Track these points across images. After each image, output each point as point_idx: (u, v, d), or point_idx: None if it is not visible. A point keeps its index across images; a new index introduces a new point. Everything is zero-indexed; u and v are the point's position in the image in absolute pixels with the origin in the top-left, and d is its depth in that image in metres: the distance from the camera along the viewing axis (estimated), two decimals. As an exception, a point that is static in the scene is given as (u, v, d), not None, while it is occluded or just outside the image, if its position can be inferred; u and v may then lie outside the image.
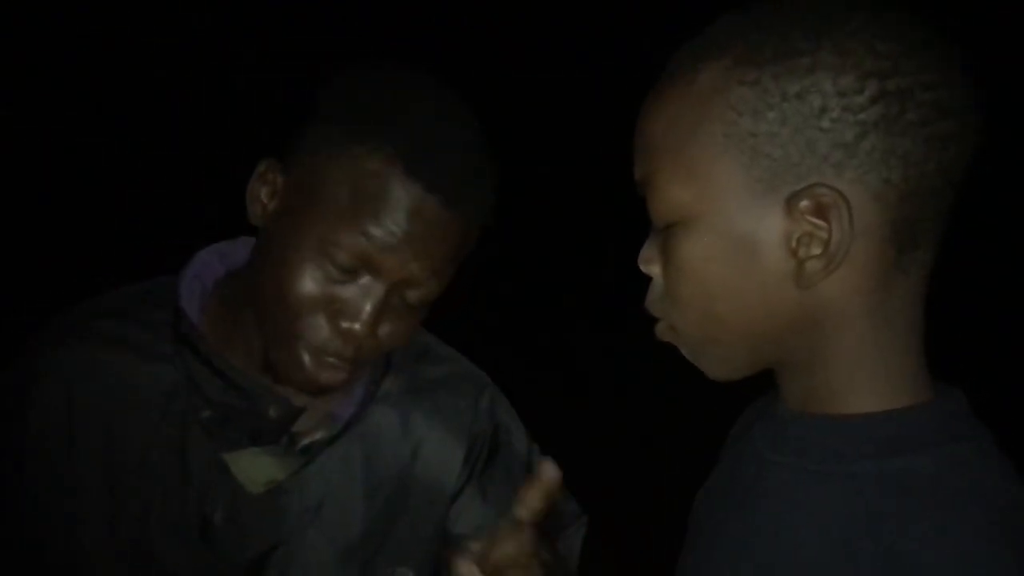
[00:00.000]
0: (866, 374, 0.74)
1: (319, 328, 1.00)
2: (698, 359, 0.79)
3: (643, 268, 0.80)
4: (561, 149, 5.45)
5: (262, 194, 1.03)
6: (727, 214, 0.72)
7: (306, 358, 1.00)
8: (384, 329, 1.01)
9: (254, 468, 1.07)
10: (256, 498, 1.07)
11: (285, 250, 1.00)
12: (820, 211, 0.69)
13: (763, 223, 0.71)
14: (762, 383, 0.83)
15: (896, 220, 0.70)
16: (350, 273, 0.98)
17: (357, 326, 0.99)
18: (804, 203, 0.70)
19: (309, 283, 0.98)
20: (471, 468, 1.17)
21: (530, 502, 0.84)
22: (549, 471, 0.84)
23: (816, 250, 0.70)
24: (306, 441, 1.09)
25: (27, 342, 1.12)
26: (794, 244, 0.71)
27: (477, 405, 1.18)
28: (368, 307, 0.99)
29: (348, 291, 0.99)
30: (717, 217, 0.73)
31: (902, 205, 0.70)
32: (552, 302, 5.21)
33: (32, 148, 4.81)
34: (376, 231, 0.96)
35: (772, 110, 0.70)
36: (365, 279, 0.99)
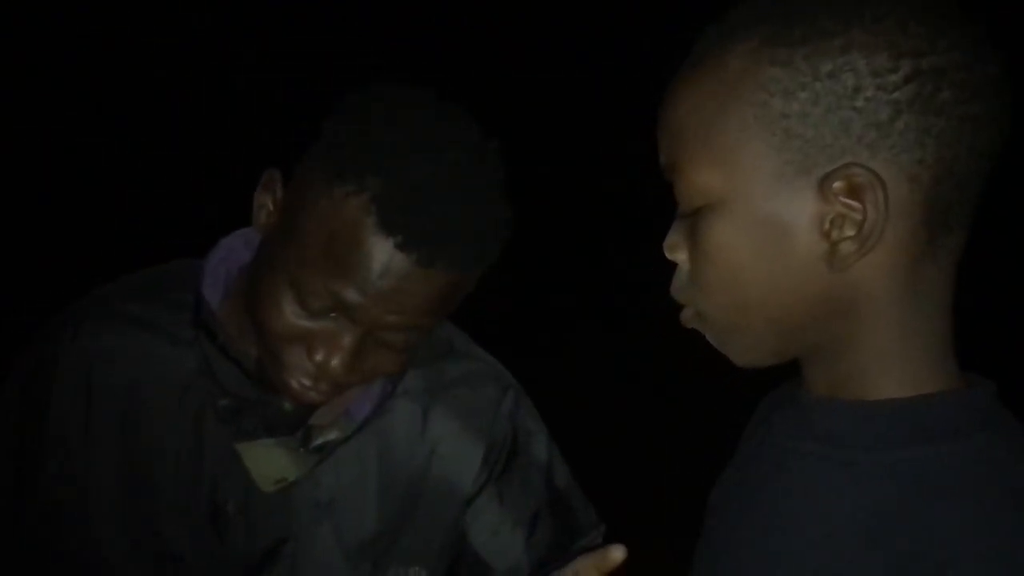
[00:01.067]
0: (896, 359, 0.73)
1: (298, 358, 0.99)
2: (725, 346, 0.78)
3: (668, 254, 0.79)
4: (562, 149, 5.45)
5: (268, 203, 1.02)
6: (757, 197, 0.71)
7: (290, 381, 1.00)
8: (367, 363, 0.99)
9: (267, 461, 1.06)
10: (271, 492, 1.06)
11: (267, 273, 0.99)
12: (854, 192, 0.68)
13: (794, 205, 0.70)
14: (765, 380, 0.83)
15: (929, 202, 0.69)
16: (326, 313, 0.96)
17: (333, 363, 0.97)
18: (837, 184, 0.69)
19: (284, 316, 0.97)
20: (489, 470, 1.15)
21: (584, 573, 0.85)
22: (615, 555, 0.84)
23: (850, 232, 0.69)
24: (320, 440, 1.08)
25: (50, 321, 1.12)
26: (827, 226, 0.70)
27: (499, 406, 1.16)
28: (342, 346, 0.97)
29: (324, 327, 0.97)
30: (747, 200, 0.71)
31: (936, 187, 0.69)
32: (552, 301, 5.21)
33: (32, 148, 4.81)
34: (346, 287, 0.93)
35: (804, 90, 0.69)
36: (342, 319, 0.97)
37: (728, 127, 0.71)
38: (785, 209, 0.71)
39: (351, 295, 0.93)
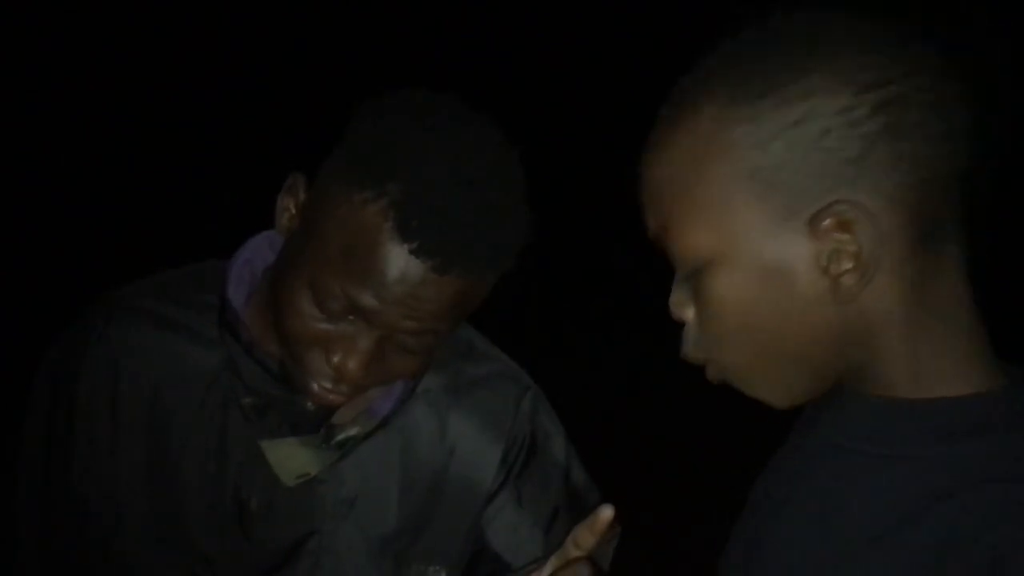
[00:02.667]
0: (926, 366, 0.75)
1: (316, 359, 1.00)
2: (756, 392, 0.80)
3: (675, 314, 0.80)
4: (576, 149, 5.45)
5: (290, 206, 1.03)
6: (752, 248, 0.73)
7: (311, 384, 1.01)
8: (385, 366, 1.01)
9: (290, 458, 1.08)
10: (291, 487, 1.08)
11: (287, 276, 1.01)
12: (843, 226, 0.70)
13: (789, 249, 0.72)
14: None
15: (919, 219, 0.71)
16: (344, 316, 0.98)
17: (350, 365, 0.99)
18: (826, 222, 0.71)
19: (302, 318, 0.99)
20: (508, 470, 1.17)
21: (583, 541, 0.87)
22: (605, 514, 0.85)
23: (848, 264, 0.71)
24: (341, 436, 1.09)
25: (78, 317, 1.15)
26: (824, 263, 0.72)
27: (518, 407, 1.17)
28: (360, 349, 0.98)
29: (342, 330, 0.99)
30: (743, 253, 0.73)
31: (922, 204, 0.71)
32: (570, 302, 5.21)
33: (32, 148, 4.83)
34: (362, 291, 0.95)
35: (776, 140, 0.71)
36: (359, 322, 0.98)
37: (710, 188, 0.74)
38: (781, 254, 0.73)
39: (367, 299, 0.95)
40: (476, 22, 5.46)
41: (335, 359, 0.99)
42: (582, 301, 5.19)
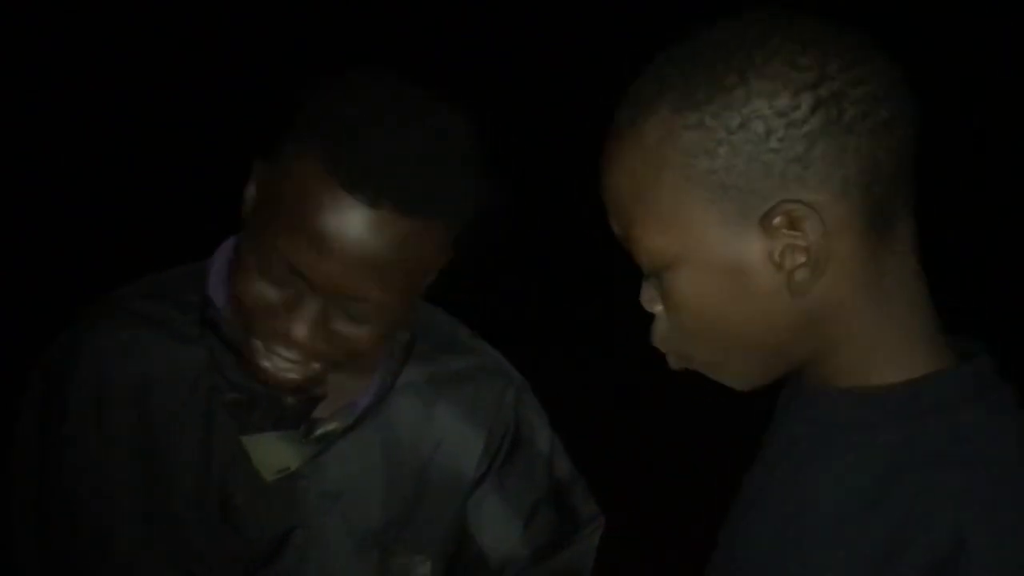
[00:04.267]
0: (880, 351, 0.78)
1: (265, 329, 1.00)
2: (720, 378, 0.84)
3: (647, 308, 0.84)
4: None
5: (252, 190, 1.04)
6: (709, 249, 0.76)
7: (264, 364, 1.02)
8: (333, 335, 1.00)
9: (271, 453, 1.09)
10: (275, 482, 1.10)
11: (239, 255, 1.03)
12: (793, 223, 0.73)
13: (745, 248, 0.76)
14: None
15: (866, 209, 0.74)
16: (289, 280, 0.98)
17: (296, 330, 0.98)
18: (776, 220, 0.74)
19: (249, 287, 0.99)
20: (491, 460, 1.18)
21: None
22: None
23: (800, 259, 0.74)
24: (321, 431, 1.11)
25: (69, 319, 1.17)
26: (778, 259, 0.75)
27: (502, 399, 1.19)
28: (304, 313, 0.98)
29: (287, 296, 0.98)
30: (701, 255, 0.77)
31: (867, 194, 0.74)
32: (563, 298, 5.22)
33: (33, 148, 4.83)
34: (299, 244, 0.94)
35: (722, 145, 0.74)
36: (304, 288, 0.97)
37: (664, 194, 0.76)
38: (738, 253, 0.76)
39: (305, 253, 0.94)
40: (485, 21, 5.46)
41: (282, 325, 0.99)
42: (583, 300, 5.20)
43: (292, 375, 1.02)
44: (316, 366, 1.02)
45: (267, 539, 1.12)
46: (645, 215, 0.78)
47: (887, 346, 0.78)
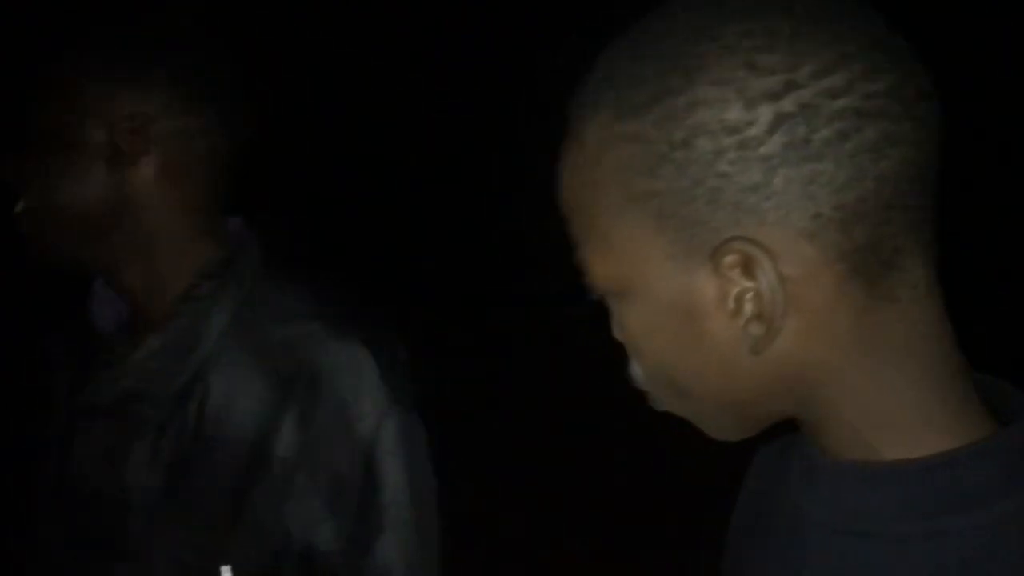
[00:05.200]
0: (888, 419, 0.62)
1: None
2: (701, 427, 0.70)
3: (617, 337, 0.70)
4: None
5: None
6: (656, 283, 0.63)
7: None
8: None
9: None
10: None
11: None
12: (746, 265, 0.59)
13: (696, 287, 0.61)
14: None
15: (848, 252, 0.58)
16: None
17: None
18: (727, 258, 0.59)
19: None
20: (291, 424, 1.09)
21: None
22: None
23: (753, 310, 0.60)
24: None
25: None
26: (732, 306, 0.60)
27: (319, 366, 1.09)
28: None
29: None
30: (647, 287, 0.63)
31: (849, 235, 0.58)
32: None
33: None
34: None
35: (664, 164, 0.59)
36: None
37: (605, 212, 0.63)
38: (688, 293, 0.62)
39: None
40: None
41: None
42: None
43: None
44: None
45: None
46: (588, 233, 0.65)
47: (893, 414, 0.62)
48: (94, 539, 1.14)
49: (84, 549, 1.14)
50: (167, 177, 1.09)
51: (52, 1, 1.13)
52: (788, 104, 0.56)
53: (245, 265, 1.15)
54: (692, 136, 0.58)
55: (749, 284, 0.59)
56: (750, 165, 0.57)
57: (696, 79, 0.58)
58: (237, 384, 1.10)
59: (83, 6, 1.08)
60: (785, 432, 0.71)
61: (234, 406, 1.10)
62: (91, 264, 1.14)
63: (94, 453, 1.14)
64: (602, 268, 0.65)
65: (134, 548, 1.11)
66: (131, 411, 1.12)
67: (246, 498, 1.09)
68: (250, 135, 1.13)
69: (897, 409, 0.62)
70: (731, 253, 0.59)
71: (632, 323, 0.66)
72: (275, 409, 1.09)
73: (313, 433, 1.08)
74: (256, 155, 1.16)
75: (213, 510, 1.10)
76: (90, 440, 1.14)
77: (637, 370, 0.69)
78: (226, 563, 1.04)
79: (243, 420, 1.10)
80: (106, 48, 1.08)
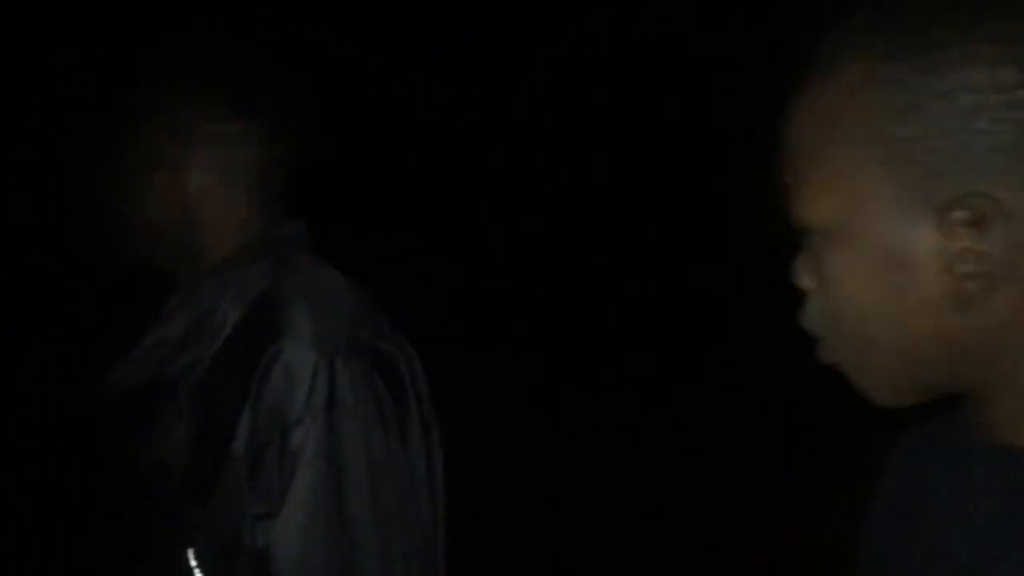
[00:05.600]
0: None
1: None
2: (860, 383, 0.71)
3: (797, 281, 0.73)
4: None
5: None
6: (874, 227, 0.65)
7: None
8: None
9: None
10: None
11: None
12: (976, 223, 0.61)
13: (914, 237, 0.63)
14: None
15: None
16: None
17: None
18: (959, 214, 0.61)
19: None
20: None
21: None
22: None
23: (973, 267, 0.62)
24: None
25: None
26: (949, 260, 0.62)
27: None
28: None
29: None
30: (863, 230, 0.65)
31: None
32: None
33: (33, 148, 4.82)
34: None
35: (919, 111, 0.61)
36: None
37: (842, 151, 0.65)
38: (903, 240, 0.64)
39: None
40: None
41: None
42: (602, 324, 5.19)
43: None
44: None
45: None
46: (816, 170, 0.67)
47: None
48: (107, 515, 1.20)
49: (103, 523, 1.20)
50: (225, 185, 1.19)
51: (124, 33, 1.23)
52: None
53: (264, 264, 1.21)
54: (955, 89, 0.60)
55: (972, 242, 0.61)
56: (1010, 127, 0.59)
57: (973, 35, 0.59)
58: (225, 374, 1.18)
59: (146, 33, 1.21)
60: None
61: (220, 395, 1.17)
62: (168, 265, 1.25)
63: (122, 431, 1.20)
64: (822, 206, 0.67)
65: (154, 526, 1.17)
66: (144, 393, 1.19)
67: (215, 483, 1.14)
68: (310, 144, 1.24)
69: None
70: (965, 209, 0.60)
71: (835, 265, 0.67)
72: (243, 400, 1.14)
73: (258, 423, 1.13)
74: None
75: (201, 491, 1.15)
76: (120, 418, 1.21)
77: (816, 315, 0.70)
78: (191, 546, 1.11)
79: (223, 411, 1.16)
80: (191, 74, 1.20)
